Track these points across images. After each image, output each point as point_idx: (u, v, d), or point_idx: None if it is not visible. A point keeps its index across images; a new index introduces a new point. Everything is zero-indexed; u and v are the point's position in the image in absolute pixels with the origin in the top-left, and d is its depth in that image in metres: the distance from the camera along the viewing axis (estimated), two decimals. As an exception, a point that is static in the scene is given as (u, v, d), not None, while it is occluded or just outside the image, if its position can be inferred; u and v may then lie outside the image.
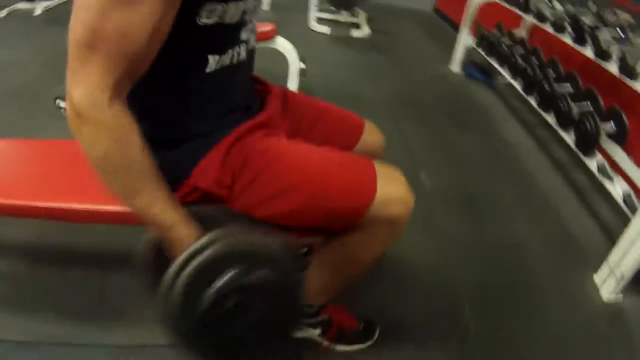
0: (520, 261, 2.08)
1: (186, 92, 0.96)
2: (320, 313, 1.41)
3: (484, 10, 4.07)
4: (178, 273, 0.79)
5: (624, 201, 2.07)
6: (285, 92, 1.28)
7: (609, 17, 2.54)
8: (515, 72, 3.40)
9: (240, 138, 1.01)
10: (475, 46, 4.16)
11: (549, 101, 2.86)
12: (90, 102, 0.75)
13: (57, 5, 4.97)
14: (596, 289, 1.96)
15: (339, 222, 1.08)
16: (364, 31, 5.01)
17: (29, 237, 1.81)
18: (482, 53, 4.03)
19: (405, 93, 3.70)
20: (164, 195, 0.84)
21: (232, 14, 0.90)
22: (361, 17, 5.23)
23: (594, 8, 2.73)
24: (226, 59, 0.98)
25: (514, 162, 2.94)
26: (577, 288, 1.97)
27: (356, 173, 1.06)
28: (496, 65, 3.77)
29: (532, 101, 3.07)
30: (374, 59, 4.48)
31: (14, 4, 4.71)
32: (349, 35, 4.91)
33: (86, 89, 0.75)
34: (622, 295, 1.92)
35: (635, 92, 2.17)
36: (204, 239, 0.81)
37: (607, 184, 2.23)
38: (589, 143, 2.41)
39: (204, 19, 0.86)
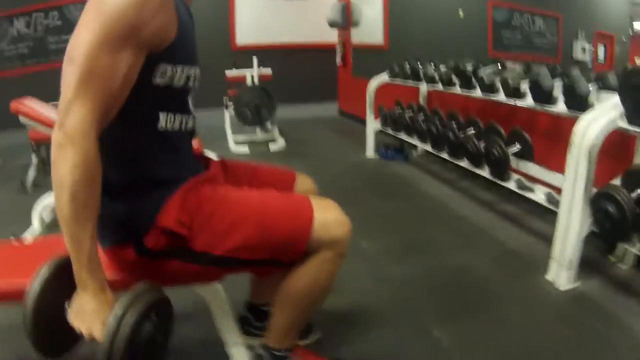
0: (472, 281, 2.08)
1: (145, 142, 1.10)
2: (289, 357, 1.36)
3: (381, 93, 4.39)
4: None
5: (548, 201, 2.13)
6: (223, 160, 1.46)
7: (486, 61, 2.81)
8: (423, 136, 3.60)
9: (193, 188, 1.15)
10: (381, 127, 4.39)
11: (458, 149, 3.02)
12: (81, 131, 0.90)
13: None
14: (552, 285, 1.97)
15: (289, 250, 1.18)
16: (279, 143, 5.21)
17: None
18: (389, 131, 4.25)
19: (328, 184, 3.71)
20: (95, 237, 0.96)
21: (179, 76, 1.08)
22: (274, 132, 5.47)
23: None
24: (176, 123, 1.14)
25: (444, 211, 3.02)
26: (533, 289, 1.97)
27: (294, 203, 1.21)
28: (405, 137, 3.99)
29: (444, 155, 3.21)
30: (293, 163, 4.59)
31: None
32: (268, 151, 5.08)
33: (79, 118, 0.90)
34: (579, 282, 1.94)
35: (529, 109, 2.33)
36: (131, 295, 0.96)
37: (530, 195, 2.32)
38: (501, 168, 2.53)
39: (158, 79, 1.04)
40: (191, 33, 1.15)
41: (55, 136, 0.91)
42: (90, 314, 0.95)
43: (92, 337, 0.94)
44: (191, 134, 1.24)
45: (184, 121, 1.17)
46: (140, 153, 1.10)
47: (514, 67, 2.53)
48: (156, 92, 1.06)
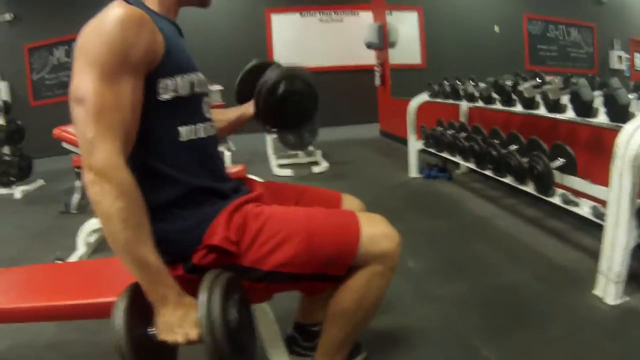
0: (518, 298, 2.08)
1: (173, 158, 1.15)
2: None
3: (422, 112, 4.43)
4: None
5: (594, 215, 2.12)
6: (269, 182, 1.52)
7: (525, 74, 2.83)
8: (465, 154, 3.62)
9: (238, 207, 1.19)
10: (423, 146, 4.43)
11: (501, 166, 3.02)
12: (111, 164, 0.96)
13: (35, 189, 5.27)
14: (600, 300, 1.95)
15: (337, 264, 1.19)
16: (323, 165, 5.31)
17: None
18: (432, 150, 4.29)
19: (372, 204, 3.74)
20: (156, 251, 1.01)
21: (182, 85, 1.13)
22: (317, 155, 5.59)
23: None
24: (200, 132, 1.19)
25: (489, 229, 3.01)
26: (581, 305, 1.95)
27: (340, 218, 1.23)
28: (447, 156, 4.01)
29: (488, 172, 3.22)
30: (336, 184, 4.68)
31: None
32: (311, 173, 5.18)
33: (105, 153, 0.96)
34: (627, 296, 1.91)
35: (570, 122, 2.34)
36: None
37: (575, 209, 2.31)
38: (546, 183, 2.52)
39: (163, 95, 1.10)
40: (182, 45, 1.20)
41: (87, 177, 0.96)
42: (179, 322, 1.00)
43: (191, 342, 0.99)
44: (216, 140, 1.29)
45: (203, 129, 1.21)
46: (172, 170, 1.14)
47: (553, 80, 2.54)
48: (167, 107, 1.11)
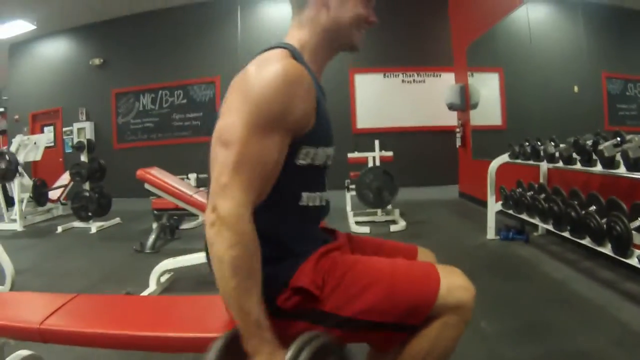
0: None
1: (287, 219, 1.21)
2: None
3: (502, 173, 4.46)
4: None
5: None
6: (349, 234, 1.56)
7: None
8: (544, 216, 3.60)
9: (325, 253, 1.25)
10: (502, 208, 4.41)
11: (580, 227, 3.00)
12: (236, 214, 0.99)
13: (110, 226, 5.76)
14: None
15: (415, 313, 1.20)
16: (400, 224, 5.39)
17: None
18: (511, 212, 4.26)
19: (447, 264, 3.78)
20: (262, 300, 1.05)
21: (320, 157, 1.20)
22: (395, 213, 5.70)
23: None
24: (316, 199, 1.25)
25: (564, 292, 2.98)
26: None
27: (421, 268, 1.27)
28: (526, 218, 3.98)
29: (566, 234, 3.18)
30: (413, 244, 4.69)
31: (67, 222, 5.59)
32: (389, 231, 5.25)
33: (233, 203, 1.00)
34: None
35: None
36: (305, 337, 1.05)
37: (654, 271, 2.24)
38: (624, 244, 2.49)
39: (301, 160, 1.16)
40: (327, 115, 1.23)
41: (209, 217, 1.00)
42: None
43: None
44: (327, 210, 1.34)
45: (322, 198, 1.27)
46: (280, 228, 1.18)
47: (633, 138, 2.53)
48: (299, 171, 1.16)
